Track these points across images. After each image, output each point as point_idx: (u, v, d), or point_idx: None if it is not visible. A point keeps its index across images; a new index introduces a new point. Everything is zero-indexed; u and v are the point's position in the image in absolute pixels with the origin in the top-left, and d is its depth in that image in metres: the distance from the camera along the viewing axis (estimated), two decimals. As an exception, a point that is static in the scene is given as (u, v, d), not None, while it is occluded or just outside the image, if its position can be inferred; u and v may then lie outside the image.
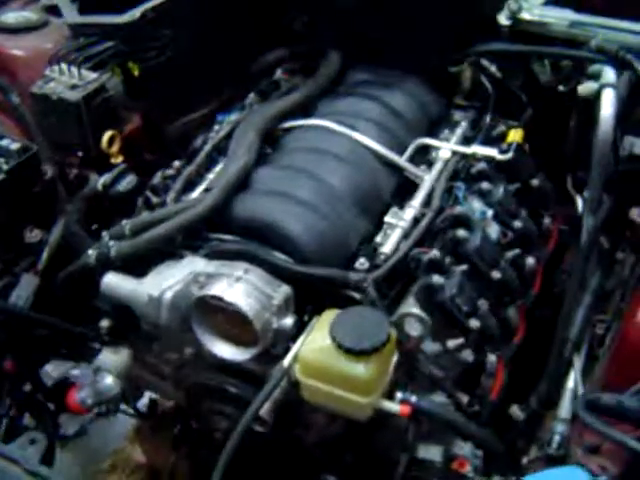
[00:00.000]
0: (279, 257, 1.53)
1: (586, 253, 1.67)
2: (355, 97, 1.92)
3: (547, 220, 1.86)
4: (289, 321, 1.50)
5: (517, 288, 1.68)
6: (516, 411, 1.64)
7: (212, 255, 1.57)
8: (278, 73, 2.14)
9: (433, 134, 1.91)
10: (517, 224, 1.74)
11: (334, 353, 1.37)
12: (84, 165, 1.90)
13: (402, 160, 1.77)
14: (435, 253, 1.54)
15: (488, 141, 1.86)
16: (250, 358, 1.51)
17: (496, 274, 1.62)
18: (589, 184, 1.68)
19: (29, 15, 2.07)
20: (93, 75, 1.87)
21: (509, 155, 1.77)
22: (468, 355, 1.53)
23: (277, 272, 1.52)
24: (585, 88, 1.72)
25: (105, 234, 1.67)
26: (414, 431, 1.51)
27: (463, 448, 1.53)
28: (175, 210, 1.62)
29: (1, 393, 1.80)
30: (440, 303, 1.50)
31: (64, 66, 1.86)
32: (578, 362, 1.60)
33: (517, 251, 1.71)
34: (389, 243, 1.59)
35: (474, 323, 1.52)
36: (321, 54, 2.08)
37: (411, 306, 1.47)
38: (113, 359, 1.74)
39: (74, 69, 1.85)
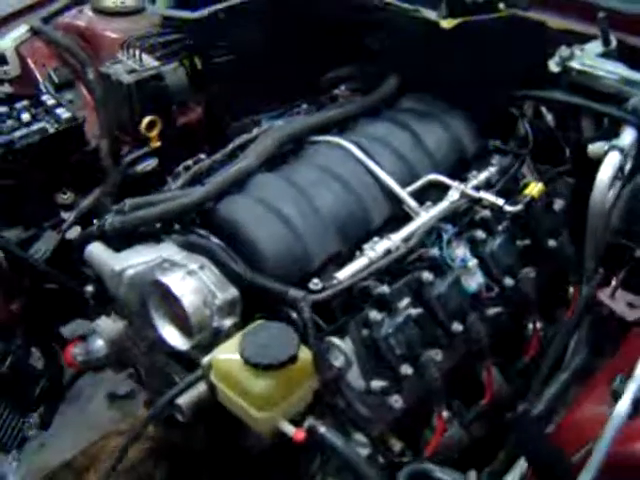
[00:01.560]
0: (233, 260, 1.56)
1: (572, 325, 1.56)
2: (389, 122, 1.90)
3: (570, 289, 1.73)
4: (228, 322, 1.53)
5: (485, 347, 1.59)
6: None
7: (184, 245, 1.64)
8: (341, 89, 2.15)
9: (461, 173, 1.84)
10: (508, 281, 1.65)
11: (240, 362, 1.38)
12: (136, 144, 2.05)
13: (402, 191, 1.73)
14: (384, 289, 1.50)
15: (508, 190, 1.76)
16: (184, 350, 1.56)
17: (457, 326, 1.55)
18: (585, 252, 1.56)
19: (128, 1, 2.26)
20: (154, 63, 2.01)
21: (518, 208, 1.67)
22: (396, 401, 1.47)
23: (229, 274, 1.56)
24: (595, 147, 1.58)
25: (114, 207, 1.79)
26: (320, 462, 1.48)
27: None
28: (169, 197, 1.71)
29: (14, 331, 1.98)
30: (374, 340, 1.46)
31: (132, 51, 2.02)
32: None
33: (497, 309, 1.62)
34: (347, 270, 1.56)
35: (406, 369, 1.46)
36: (381, 77, 2.08)
37: (337, 336, 1.44)
38: (107, 325, 1.85)
39: (138, 55, 2.00)
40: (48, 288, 1.95)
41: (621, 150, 1.51)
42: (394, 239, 1.62)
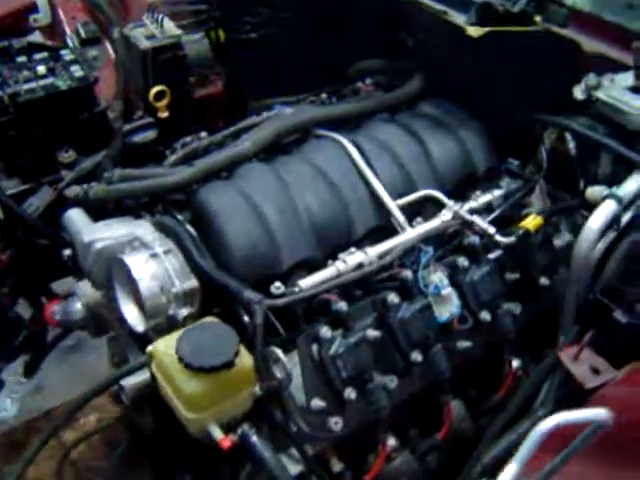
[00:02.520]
0: (198, 250, 1.52)
1: (538, 379, 1.46)
2: (398, 127, 1.80)
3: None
4: (184, 312, 1.49)
5: (445, 381, 1.51)
6: None
7: (158, 226, 1.61)
8: (366, 82, 2.06)
9: (465, 191, 1.74)
10: (484, 316, 1.55)
11: (176, 359, 1.35)
12: (148, 111, 2.02)
13: (392, 203, 1.64)
14: (341, 305, 1.43)
15: (508, 218, 1.65)
16: (139, 331, 1.53)
17: (416, 356, 1.47)
18: (564, 303, 1.45)
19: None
20: (176, 31, 1.96)
21: (509, 239, 1.57)
22: (336, 423, 1.41)
23: (193, 264, 1.51)
24: (594, 191, 1.46)
25: (106, 175, 1.77)
26: (250, 471, 1.44)
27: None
28: (157, 174, 1.68)
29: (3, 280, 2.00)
30: (321, 357, 1.40)
31: (156, 16, 1.98)
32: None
33: (467, 344, 1.53)
34: (313, 278, 1.50)
35: (350, 394, 1.40)
36: (407, 75, 1.98)
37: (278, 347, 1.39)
38: (87, 289, 1.84)
39: (160, 21, 1.95)
40: (42, 243, 1.95)
41: (619, 200, 1.39)
42: (370, 253, 1.55)
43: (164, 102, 1.93)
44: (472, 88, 1.85)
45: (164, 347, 1.39)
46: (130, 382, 1.49)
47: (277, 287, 1.49)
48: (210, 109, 2.11)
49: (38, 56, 1.98)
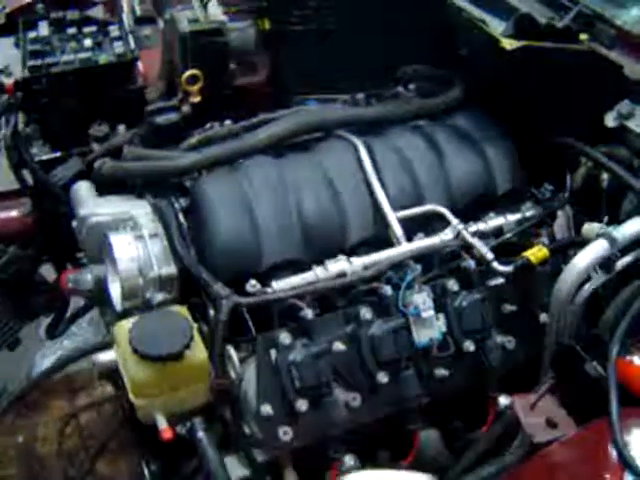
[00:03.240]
0: (181, 239, 1.50)
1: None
2: (420, 136, 1.72)
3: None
4: (159, 297, 1.48)
5: (413, 408, 1.43)
6: None
7: (153, 207, 1.60)
8: (409, 87, 1.98)
9: (480, 210, 1.64)
10: (467, 345, 1.46)
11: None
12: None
13: (392, 215, 1.56)
14: (307, 313, 1.38)
15: (519, 246, 1.54)
16: (117, 310, 1.53)
17: (382, 377, 1.40)
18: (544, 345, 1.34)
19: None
20: (221, 17, 1.95)
21: (506, 268, 1.46)
22: (285, 433, 1.36)
23: (176, 251, 1.50)
24: (589, 228, 1.33)
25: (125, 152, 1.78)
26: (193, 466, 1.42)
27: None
28: (162, 156, 1.68)
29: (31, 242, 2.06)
30: (276, 363, 1.36)
31: (205, 1, 1.97)
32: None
33: (444, 372, 1.44)
34: (289, 281, 1.45)
35: (301, 405, 1.35)
36: (448, 85, 1.89)
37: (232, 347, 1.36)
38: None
39: (205, 5, 1.95)
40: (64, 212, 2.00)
41: (612, 240, 1.26)
42: (355, 263, 1.48)
43: (197, 86, 1.92)
44: (509, 103, 1.74)
45: (122, 327, 1.39)
46: (101, 359, 1.50)
47: (252, 285, 1.45)
48: (251, 98, 2.08)
49: (88, 29, 2.02)
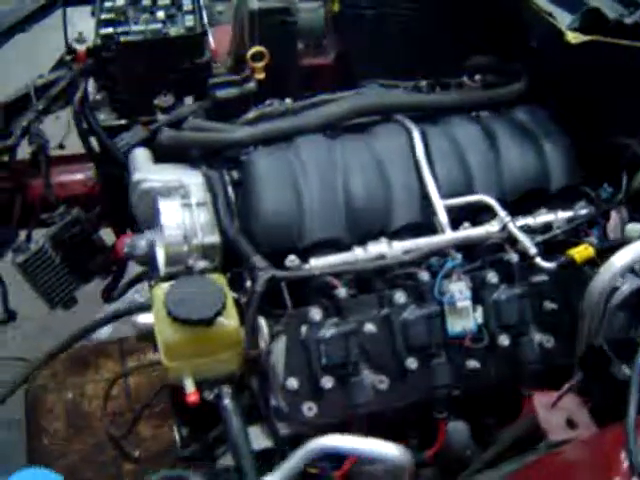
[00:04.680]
0: (227, 211, 1.53)
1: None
2: (477, 126, 1.69)
3: None
4: (201, 264, 1.50)
5: (440, 397, 1.42)
6: None
7: (205, 177, 1.63)
8: (475, 77, 1.94)
9: (532, 205, 1.61)
10: (502, 340, 1.43)
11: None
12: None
13: (440, 203, 1.55)
14: (341, 291, 1.38)
15: (566, 243, 1.51)
16: (161, 274, 1.57)
17: (412, 362, 1.39)
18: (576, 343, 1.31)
19: None
20: (287, -1, 1.97)
21: (549, 265, 1.43)
22: (309, 409, 1.37)
23: (221, 222, 1.53)
24: (632, 229, 1.28)
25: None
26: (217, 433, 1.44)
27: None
28: (219, 128, 1.70)
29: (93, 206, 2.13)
30: (307, 339, 1.37)
31: (274, -20, 1.99)
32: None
33: (475, 364, 1.43)
34: (327, 259, 1.46)
35: (326, 382, 1.35)
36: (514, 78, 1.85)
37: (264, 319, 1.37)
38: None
39: (277, -15, 1.97)
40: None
41: (656, 242, 1.21)
42: (395, 247, 1.48)
43: (262, 63, 1.94)
44: (572, 99, 1.69)
45: (160, 290, 1.42)
46: (140, 320, 1.54)
47: (291, 260, 1.46)
48: (317, 79, 2.09)
49: (162, 2, 2.07)
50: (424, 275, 1.42)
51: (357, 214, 1.54)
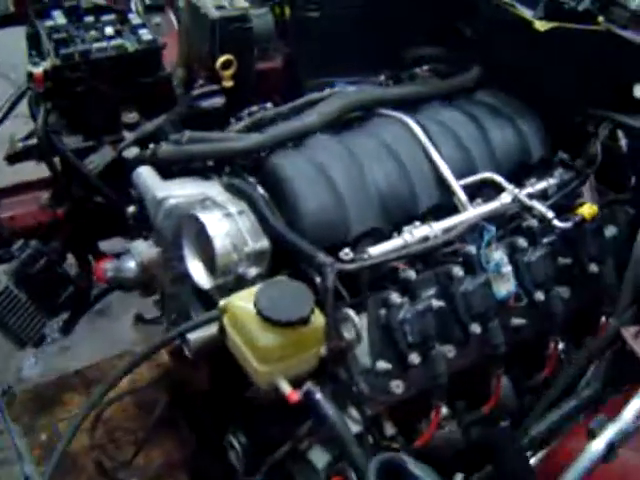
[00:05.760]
0: (271, 213, 1.57)
1: (591, 356, 1.52)
2: (457, 111, 1.87)
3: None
4: (253, 271, 1.54)
5: (500, 355, 1.57)
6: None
7: (228, 187, 1.66)
8: (422, 68, 2.11)
9: (520, 178, 1.80)
10: (538, 296, 1.61)
11: (252, 312, 1.39)
12: (209, 79, 2.06)
13: (456, 183, 1.70)
14: (411, 273, 1.49)
15: (562, 206, 1.71)
16: (206, 288, 1.58)
17: (475, 328, 1.53)
18: (623, 284, 1.52)
19: None
20: (243, 4, 2.01)
21: (567, 224, 1.63)
22: (397, 386, 1.46)
23: (264, 226, 1.56)
24: None
25: (171, 137, 1.81)
26: (309, 427, 1.49)
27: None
28: (224, 137, 1.73)
29: (54, 235, 2.04)
30: (389, 322, 1.46)
31: (222, -13, 2.02)
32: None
33: (522, 321, 1.59)
34: (381, 247, 1.55)
35: (414, 359, 1.46)
36: (466, 65, 2.04)
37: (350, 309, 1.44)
38: (142, 248, 1.88)
39: (227, -8, 2.00)
40: (95, 201, 1.99)
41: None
42: (435, 227, 1.60)
43: (230, 71, 1.97)
44: (530, 81, 1.91)
45: (239, 301, 1.44)
46: (195, 336, 1.54)
47: (346, 253, 1.53)
48: (268, 83, 2.15)
49: (106, 17, 2.02)
50: (471, 249, 1.56)
51: (388, 203, 1.65)
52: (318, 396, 1.41)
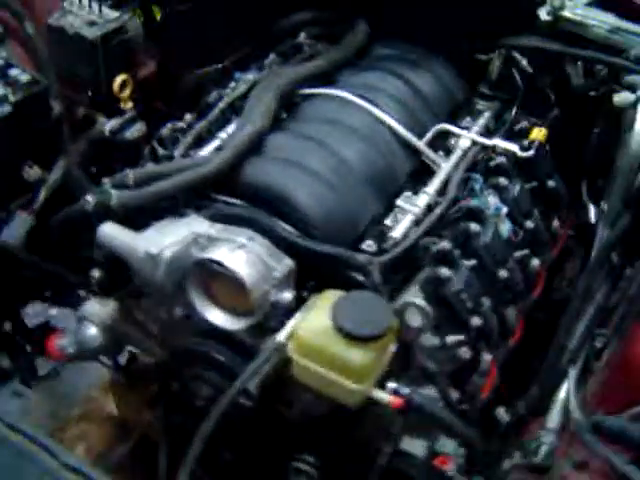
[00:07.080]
0: (286, 229, 1.48)
1: (597, 265, 1.64)
2: (379, 72, 1.85)
3: (556, 224, 1.82)
4: (288, 296, 1.45)
5: (520, 289, 1.65)
6: (502, 413, 1.61)
7: (216, 218, 1.52)
8: (301, 37, 2.05)
9: (454, 120, 1.85)
10: (529, 224, 1.70)
11: (332, 335, 1.32)
12: (92, 106, 1.84)
13: (421, 143, 1.71)
14: (445, 244, 1.50)
15: (510, 136, 1.80)
16: (243, 329, 1.46)
17: (503, 273, 1.59)
18: (610, 196, 1.65)
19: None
20: (114, 14, 1.80)
21: (530, 153, 1.72)
22: (465, 352, 1.48)
23: (281, 244, 1.47)
24: (621, 98, 1.67)
25: (107, 181, 1.60)
26: (400, 423, 1.47)
27: (447, 445, 1.50)
28: (183, 166, 1.56)
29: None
30: (444, 297, 1.46)
31: (85, 0, 1.79)
32: (573, 373, 1.57)
33: (526, 252, 1.68)
34: (400, 228, 1.54)
35: (475, 321, 1.49)
36: (346, 22, 2.02)
37: (414, 296, 1.42)
38: (99, 310, 1.69)
39: (95, 5, 1.78)
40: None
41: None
42: (430, 192, 1.61)
43: (127, 92, 1.78)
44: (423, 23, 1.93)
45: (308, 329, 1.36)
46: (253, 382, 1.42)
47: (369, 245, 1.50)
48: (149, 90, 1.96)
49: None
50: (474, 202, 1.60)
51: (375, 182, 1.62)
52: (406, 391, 1.39)
